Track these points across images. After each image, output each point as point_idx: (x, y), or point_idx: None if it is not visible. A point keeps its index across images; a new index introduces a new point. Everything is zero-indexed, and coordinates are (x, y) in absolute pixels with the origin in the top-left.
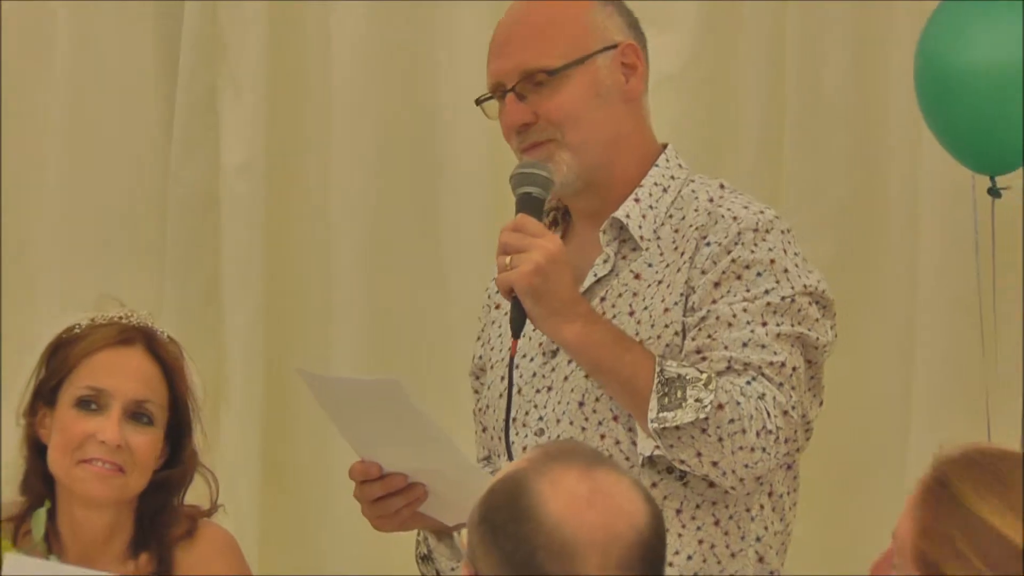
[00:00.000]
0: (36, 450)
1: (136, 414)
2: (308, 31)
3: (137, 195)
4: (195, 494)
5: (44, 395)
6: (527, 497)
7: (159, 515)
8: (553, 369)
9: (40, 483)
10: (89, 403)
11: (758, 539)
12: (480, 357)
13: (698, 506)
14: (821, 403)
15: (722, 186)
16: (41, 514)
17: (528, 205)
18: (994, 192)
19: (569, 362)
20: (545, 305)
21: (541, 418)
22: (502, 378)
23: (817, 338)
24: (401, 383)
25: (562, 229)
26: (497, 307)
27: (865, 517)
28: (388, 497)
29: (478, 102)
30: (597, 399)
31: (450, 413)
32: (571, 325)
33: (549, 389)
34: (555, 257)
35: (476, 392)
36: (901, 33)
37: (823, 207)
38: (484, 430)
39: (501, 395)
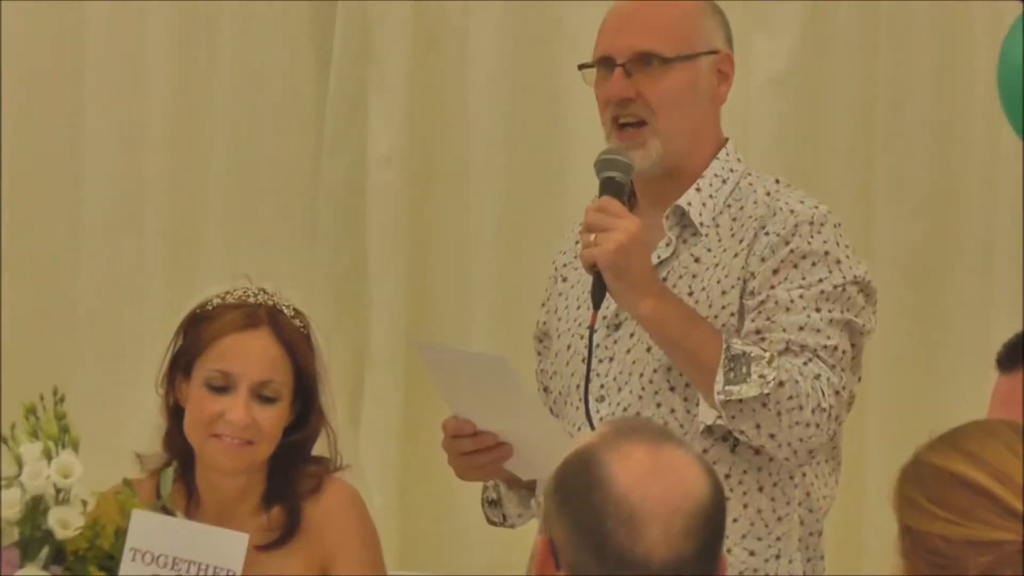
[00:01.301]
0: (176, 413)
1: (261, 394)
2: (449, 35)
3: (292, 181)
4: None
5: (180, 366)
6: (598, 469)
7: (288, 473)
8: (615, 341)
9: (181, 441)
10: (218, 385)
11: (800, 503)
12: (544, 323)
13: (745, 471)
14: (859, 379)
15: (777, 181)
16: (168, 474)
17: (611, 188)
18: None
19: (631, 335)
20: (625, 281)
21: (602, 386)
22: (568, 347)
23: (863, 324)
24: (508, 360)
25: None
26: (564, 280)
27: None
28: (477, 453)
29: (581, 67)
30: (655, 371)
31: None
32: (647, 300)
33: (611, 360)
34: (636, 237)
35: (539, 354)
36: (981, 37)
37: (911, 197)
38: (546, 391)
39: (568, 363)
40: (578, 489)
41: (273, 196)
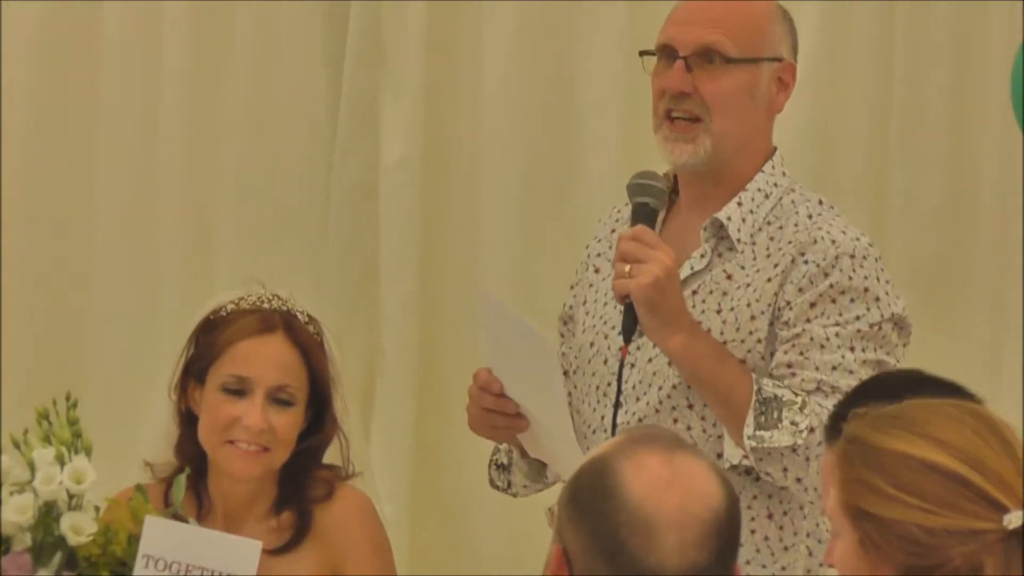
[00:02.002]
0: (188, 420)
1: (278, 398)
2: (462, 39)
3: (304, 186)
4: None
5: (194, 373)
6: (612, 478)
7: (300, 478)
8: (639, 347)
9: (193, 449)
10: (235, 389)
11: (808, 535)
12: (571, 308)
13: (755, 497)
14: None
15: (820, 202)
16: (181, 481)
17: (644, 215)
18: None
19: (654, 345)
20: (657, 316)
21: (620, 391)
22: (592, 344)
23: (895, 363)
24: (554, 344)
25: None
26: (596, 270)
27: None
28: (495, 413)
29: (642, 53)
30: (674, 386)
31: None
32: (678, 336)
33: (632, 366)
34: (671, 272)
35: (562, 336)
36: (997, 45)
37: (924, 208)
38: (566, 374)
39: (590, 361)
40: (593, 498)
41: (285, 201)
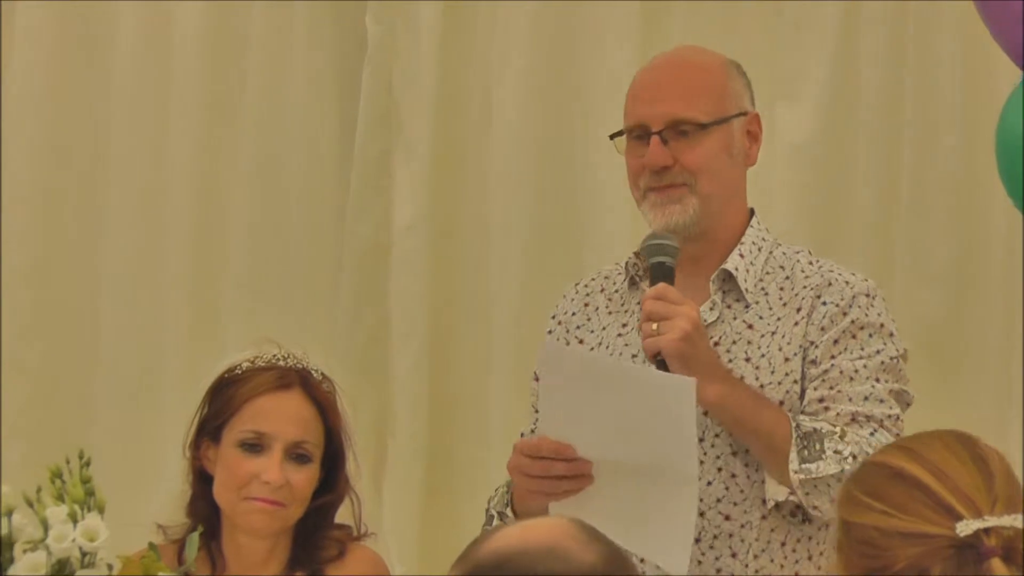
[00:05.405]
0: (201, 479)
1: (295, 454)
2: (473, 101)
3: (316, 247)
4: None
5: (209, 432)
6: None
7: (313, 538)
8: None
9: (206, 508)
10: (253, 445)
11: None
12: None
13: (798, 540)
14: None
15: (810, 252)
16: (194, 538)
17: (663, 274)
18: None
19: None
20: (691, 368)
21: None
22: None
23: (913, 394)
24: (695, 384)
25: None
26: (580, 341)
27: None
28: (564, 479)
29: (612, 136)
30: (716, 435)
31: None
32: (714, 386)
33: None
34: (698, 324)
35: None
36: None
37: (932, 269)
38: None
39: None
40: None
41: (296, 262)
